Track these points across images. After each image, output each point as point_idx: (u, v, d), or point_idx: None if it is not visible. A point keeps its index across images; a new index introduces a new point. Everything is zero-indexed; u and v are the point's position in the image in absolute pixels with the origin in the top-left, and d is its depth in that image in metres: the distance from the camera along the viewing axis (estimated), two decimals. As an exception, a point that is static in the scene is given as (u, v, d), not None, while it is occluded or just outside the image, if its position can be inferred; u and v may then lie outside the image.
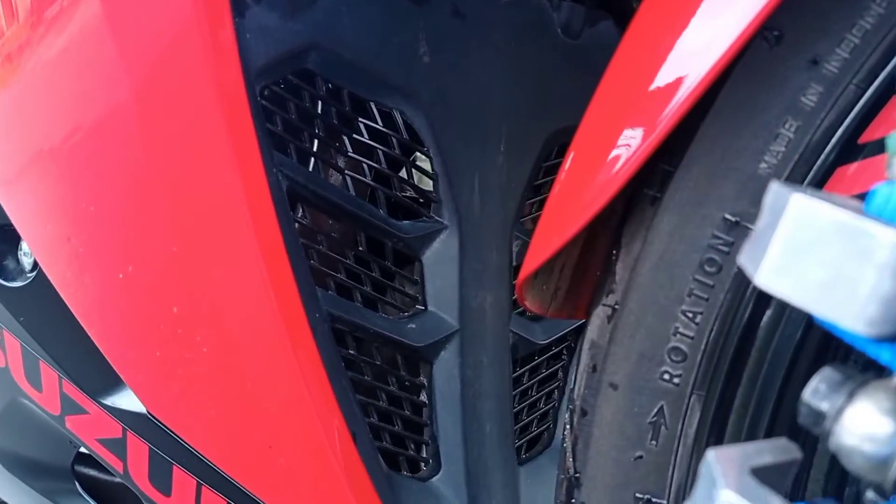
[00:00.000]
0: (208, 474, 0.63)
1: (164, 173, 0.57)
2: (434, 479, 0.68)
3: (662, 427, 0.49)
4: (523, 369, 0.78)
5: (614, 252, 0.52)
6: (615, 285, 0.51)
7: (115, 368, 0.64)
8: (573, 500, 0.52)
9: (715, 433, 0.48)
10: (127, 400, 0.66)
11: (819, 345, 0.46)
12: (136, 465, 0.68)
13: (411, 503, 0.63)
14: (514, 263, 0.75)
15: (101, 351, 0.64)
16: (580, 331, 0.83)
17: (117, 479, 0.80)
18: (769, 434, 0.47)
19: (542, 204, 0.80)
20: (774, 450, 0.33)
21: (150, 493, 0.68)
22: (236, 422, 0.60)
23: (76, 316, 0.64)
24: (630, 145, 0.47)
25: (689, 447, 0.48)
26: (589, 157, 0.49)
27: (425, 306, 0.70)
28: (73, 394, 0.69)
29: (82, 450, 0.81)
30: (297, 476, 0.59)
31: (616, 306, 0.50)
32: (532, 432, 0.78)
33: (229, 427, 0.61)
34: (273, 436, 0.58)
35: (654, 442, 0.49)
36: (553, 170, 0.80)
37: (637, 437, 0.50)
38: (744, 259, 0.34)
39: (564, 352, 0.82)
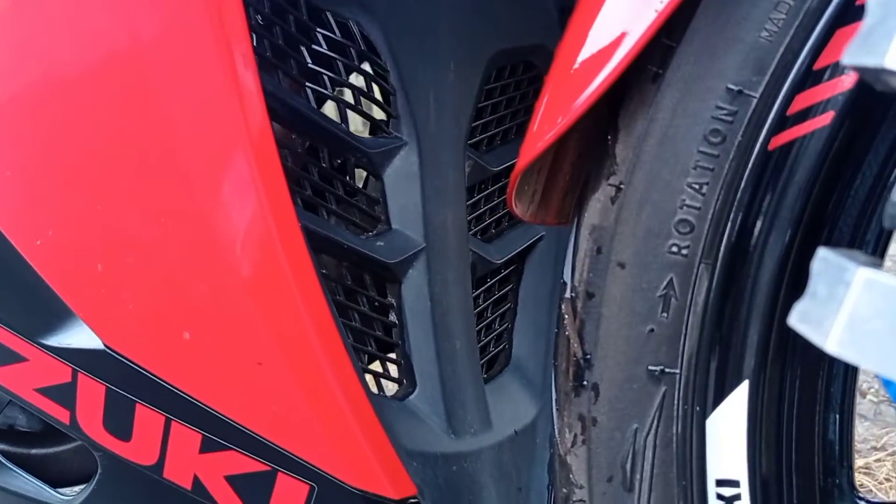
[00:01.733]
0: (179, 407, 0.59)
1: (124, 66, 0.53)
2: (411, 397, 0.66)
3: (672, 299, 0.50)
4: (478, 290, 0.78)
5: (609, 136, 0.53)
6: (616, 167, 0.52)
7: (63, 301, 0.59)
8: (584, 383, 0.52)
9: (723, 299, 0.50)
10: (77, 337, 0.61)
11: (820, 201, 0.49)
12: (87, 412, 0.62)
13: (393, 423, 0.62)
14: (467, 184, 0.75)
15: (46, 281, 0.58)
16: (527, 254, 0.85)
17: (34, 451, 0.73)
18: (776, 294, 0.49)
19: (485, 127, 0.80)
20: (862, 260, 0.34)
21: (105, 441, 0.63)
22: (217, 341, 0.56)
23: (10, 240, 0.58)
24: (634, 23, 0.48)
25: (698, 315, 0.50)
26: (590, 36, 0.49)
27: (389, 225, 0.68)
28: (8, 340, 0.62)
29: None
30: (289, 396, 0.56)
31: (620, 186, 0.51)
32: (491, 352, 0.79)
33: (207, 348, 0.57)
34: (262, 351, 0.55)
35: (664, 314, 0.51)
36: (493, 93, 0.80)
37: (647, 312, 0.51)
38: (800, 322, 0.34)
39: (513, 275, 0.83)
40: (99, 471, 0.65)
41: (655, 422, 0.51)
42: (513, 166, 0.82)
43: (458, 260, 0.72)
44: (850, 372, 0.52)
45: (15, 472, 0.72)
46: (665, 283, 0.51)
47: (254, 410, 0.58)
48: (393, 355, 0.68)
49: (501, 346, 0.80)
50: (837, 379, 0.52)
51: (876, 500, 0.50)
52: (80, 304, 0.59)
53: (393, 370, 0.69)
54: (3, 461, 0.73)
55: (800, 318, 0.32)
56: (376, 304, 0.68)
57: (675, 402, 0.50)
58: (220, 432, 0.59)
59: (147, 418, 0.61)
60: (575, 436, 0.53)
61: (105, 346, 0.59)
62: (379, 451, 0.57)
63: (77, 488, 0.72)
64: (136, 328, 0.58)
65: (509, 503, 0.70)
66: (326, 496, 0.58)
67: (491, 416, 0.72)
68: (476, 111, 0.78)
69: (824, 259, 0.32)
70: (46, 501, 0.71)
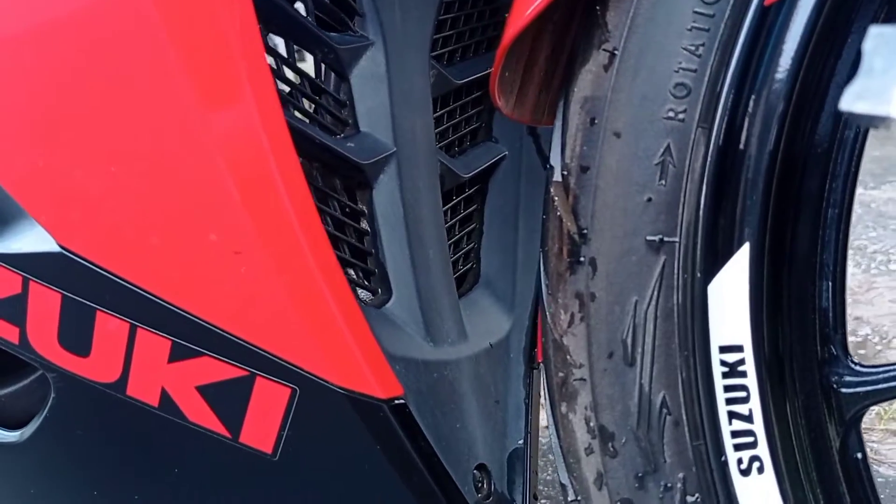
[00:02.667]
0: (146, 311, 0.54)
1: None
2: (388, 304, 0.64)
3: (670, 166, 0.49)
4: (445, 207, 0.75)
5: (598, 7, 0.51)
6: (608, 34, 0.50)
7: (13, 199, 0.54)
8: (581, 259, 0.51)
9: (721, 163, 0.49)
10: (26, 241, 0.56)
11: (816, 58, 0.48)
12: (40, 327, 0.57)
13: (373, 328, 0.59)
14: (433, 95, 0.73)
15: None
16: (490, 174, 0.83)
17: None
18: (775, 154, 0.48)
19: (445, 41, 0.78)
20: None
21: (60, 359, 0.58)
22: (189, 231, 0.52)
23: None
24: None
25: (696, 182, 0.49)
26: None
27: (357, 128, 0.65)
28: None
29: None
30: (269, 290, 0.53)
31: (614, 51, 0.50)
32: (460, 270, 0.77)
33: (178, 241, 0.53)
34: (241, 239, 0.51)
35: (662, 182, 0.50)
36: (452, 7, 0.78)
37: (645, 181, 0.50)
38: (856, 102, 0.33)
39: (477, 195, 0.81)
40: (52, 396, 0.60)
41: (655, 293, 0.50)
42: (476, 80, 0.81)
43: (428, 169, 0.69)
44: (842, 240, 0.52)
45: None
46: (662, 149, 0.50)
47: (230, 309, 0.54)
48: (367, 264, 0.65)
49: (470, 265, 0.78)
50: (829, 247, 0.52)
51: (870, 364, 0.50)
52: (34, 202, 0.54)
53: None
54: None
55: (856, 98, 0.32)
56: (347, 210, 0.65)
57: (675, 271, 0.49)
58: (192, 336, 0.55)
59: (109, 328, 0.56)
60: (572, 315, 0.52)
61: (61, 247, 0.54)
62: (365, 348, 0.55)
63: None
64: (97, 224, 0.54)
65: (488, 415, 0.68)
66: (309, 399, 0.55)
67: (466, 327, 0.70)
68: (437, 23, 0.76)
69: (879, 34, 0.31)
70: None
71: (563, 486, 0.54)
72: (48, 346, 0.58)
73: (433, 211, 0.69)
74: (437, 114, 0.76)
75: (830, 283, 0.52)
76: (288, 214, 0.51)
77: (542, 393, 0.74)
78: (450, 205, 0.77)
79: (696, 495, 0.48)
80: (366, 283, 0.65)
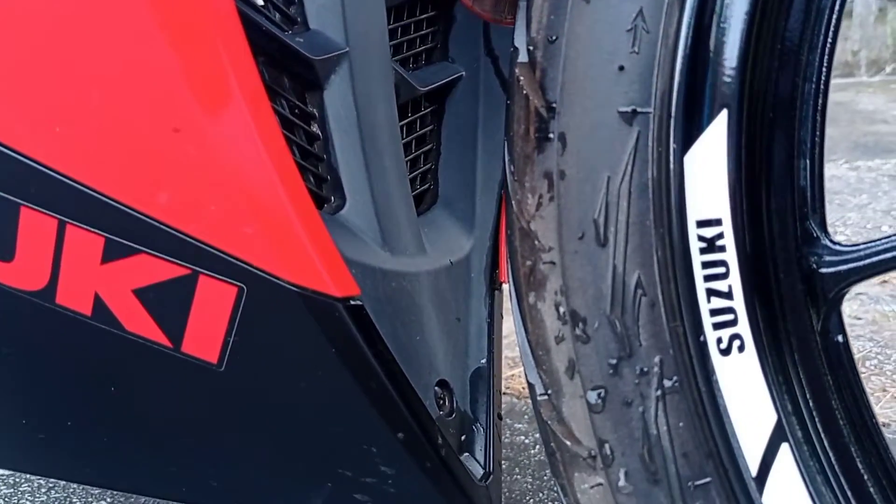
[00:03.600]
0: (76, 204, 0.50)
1: None
2: (342, 211, 0.60)
3: (643, 31, 0.47)
4: (401, 123, 0.72)
5: None
6: None
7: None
8: (549, 136, 0.48)
9: (697, 26, 0.46)
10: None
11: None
12: (-44, 229, 0.52)
13: (329, 233, 0.55)
14: (387, 4, 0.69)
15: None
16: (447, 94, 0.79)
17: None
18: (752, 14, 0.46)
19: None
20: None
21: (-20, 265, 0.53)
22: (123, 113, 0.47)
23: None
24: None
25: (670, 48, 0.46)
26: None
27: (307, 26, 0.61)
28: None
29: None
30: (212, 174, 0.48)
31: (582, -90, 0.47)
32: (418, 188, 0.73)
33: (109, 121, 0.48)
34: (181, 114, 0.46)
35: (634, 49, 0.47)
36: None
37: (616, 48, 0.47)
38: None
39: (433, 116, 0.77)
40: (-27, 310, 0.55)
41: (629, 167, 0.47)
42: (430, -9, 0.77)
43: (382, 75, 0.65)
44: (819, 118, 0.50)
45: None
46: (634, 14, 0.47)
47: (169, 200, 0.49)
48: (318, 169, 0.61)
49: (427, 186, 0.74)
50: (807, 123, 0.49)
51: (850, 243, 0.48)
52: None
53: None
54: None
55: None
56: (297, 112, 0.61)
57: (650, 143, 0.47)
58: (127, 232, 0.50)
59: (34, 226, 0.51)
60: (540, 197, 0.49)
61: (-23, 133, 0.49)
62: (318, 244, 0.51)
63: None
64: (17, 107, 0.49)
65: (449, 332, 0.64)
66: (258, 297, 0.51)
67: (425, 244, 0.66)
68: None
69: None
70: None
71: (531, 385, 0.51)
72: (-33, 250, 0.53)
73: (388, 119, 0.65)
74: (391, 26, 0.73)
75: (808, 162, 0.49)
76: (235, 92, 0.47)
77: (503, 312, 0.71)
78: (405, 121, 0.73)
79: (674, 378, 0.46)
80: (318, 190, 0.61)
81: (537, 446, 1.29)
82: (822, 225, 0.49)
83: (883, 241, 0.47)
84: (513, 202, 0.51)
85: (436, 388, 0.61)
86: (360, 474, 0.56)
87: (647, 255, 0.46)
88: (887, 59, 4.79)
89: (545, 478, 1.18)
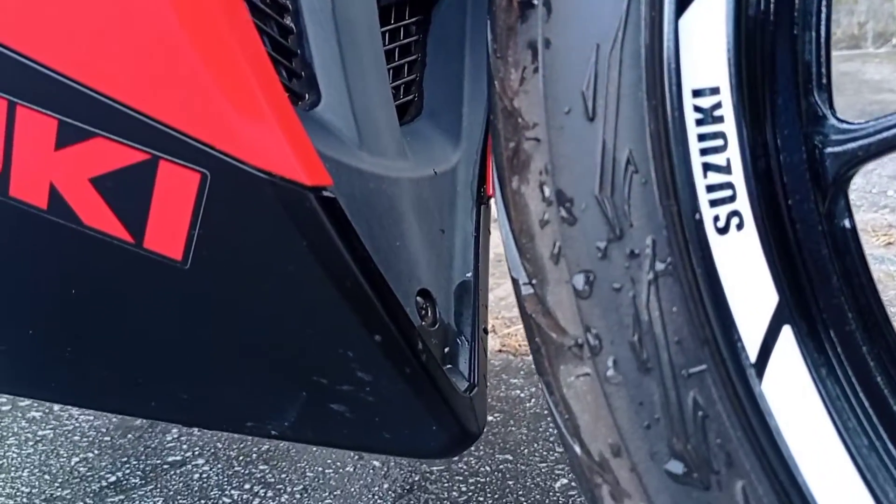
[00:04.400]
0: (26, 81, 0.46)
1: None
2: (317, 108, 0.56)
3: None
4: (384, 30, 0.68)
5: None
6: None
7: None
8: (534, 0, 0.44)
9: None
10: None
11: None
12: None
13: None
14: None
15: None
16: (433, 5, 0.76)
17: None
18: None
19: None
20: None
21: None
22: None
23: None
24: None
25: None
26: None
27: (278, -89, 0.57)
28: None
29: None
30: (174, 48, 0.44)
31: None
32: (402, 99, 0.69)
33: (60, 2, 0.44)
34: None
35: None
36: None
37: None
38: None
39: (419, 27, 0.74)
40: (-78, 207, 0.52)
41: (620, 34, 0.43)
42: None
43: (361, -30, 0.62)
44: (825, -13, 0.46)
45: None
46: None
47: (126, 76, 0.46)
48: (292, 64, 0.57)
49: (411, 97, 0.71)
50: (812, -9, 0.46)
51: (857, 121, 0.45)
52: None
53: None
54: None
55: None
56: (268, 2, 0.57)
57: (642, 6, 0.43)
58: (81, 113, 0.47)
59: (-18, 108, 0.48)
60: (524, 70, 0.45)
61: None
62: (287, 128, 0.47)
63: None
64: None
65: (432, 242, 0.61)
66: (223, 184, 0.47)
67: (406, 150, 0.63)
68: None
69: None
70: None
71: (514, 281, 0.48)
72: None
73: (366, 14, 0.61)
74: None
75: (814, 34, 0.46)
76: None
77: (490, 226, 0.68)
78: (388, 28, 0.69)
79: (668, 260, 0.42)
80: (291, 86, 0.58)
81: (532, 399, 1.28)
82: (829, 102, 0.46)
83: (892, 116, 0.44)
84: (495, 82, 0.47)
85: (417, 298, 0.58)
86: (335, 382, 0.53)
87: (639, 128, 0.43)
88: (894, 31, 4.74)
89: (540, 429, 1.16)
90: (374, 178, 0.57)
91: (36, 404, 1.26)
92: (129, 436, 1.16)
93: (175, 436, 1.16)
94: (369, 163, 0.57)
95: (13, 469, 1.07)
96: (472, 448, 1.11)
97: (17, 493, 1.01)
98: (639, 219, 0.43)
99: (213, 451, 1.11)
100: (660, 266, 0.42)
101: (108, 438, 1.15)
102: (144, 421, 1.21)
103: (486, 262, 0.64)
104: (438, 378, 0.53)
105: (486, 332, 0.61)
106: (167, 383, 0.56)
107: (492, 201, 0.69)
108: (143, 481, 1.04)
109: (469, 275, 0.63)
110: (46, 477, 1.05)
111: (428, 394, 0.53)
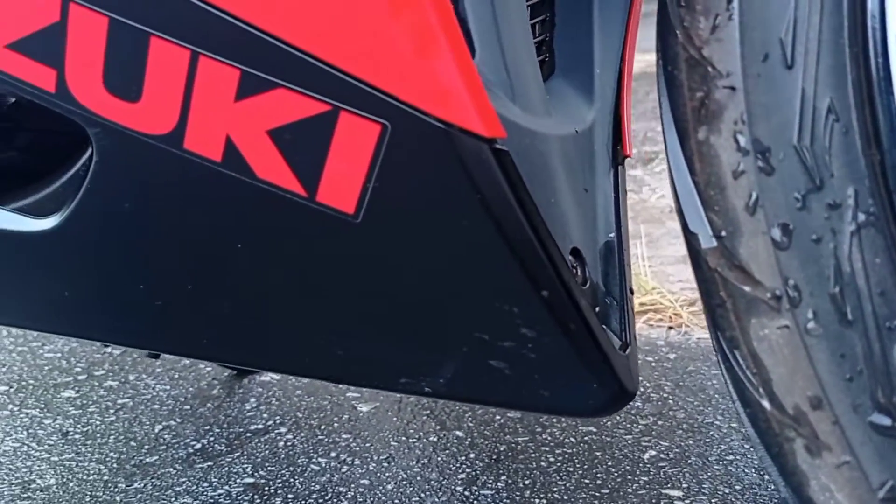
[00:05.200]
0: (210, 32, 0.46)
1: None
2: (473, 60, 0.56)
3: None
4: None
5: None
6: None
7: None
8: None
9: None
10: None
11: None
12: (81, 66, 0.49)
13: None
14: None
15: None
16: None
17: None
18: None
19: None
20: None
21: (105, 106, 0.49)
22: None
23: None
24: None
25: None
26: None
27: None
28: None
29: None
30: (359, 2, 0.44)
31: None
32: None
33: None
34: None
35: None
36: None
37: None
38: None
39: (546, -12, 0.73)
40: (94, 160, 0.52)
41: (822, -22, 0.42)
42: None
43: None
44: None
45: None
46: None
47: (312, 26, 0.46)
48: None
49: (543, 57, 0.70)
50: None
51: None
52: None
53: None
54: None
55: None
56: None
57: (847, -53, 0.42)
58: (265, 63, 0.47)
59: (164, 60, 0.48)
60: (716, 17, 0.44)
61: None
62: (469, 80, 0.47)
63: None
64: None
65: (578, 201, 0.61)
66: (402, 136, 0.47)
67: (550, 108, 0.62)
68: None
69: None
70: (21, 230, 0.57)
71: (692, 236, 0.47)
72: (90, 91, 0.50)
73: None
74: None
75: None
76: None
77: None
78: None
79: (870, 210, 0.42)
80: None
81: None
82: None
83: None
84: (677, 31, 0.46)
85: (569, 256, 0.58)
86: (497, 338, 0.53)
87: (841, 75, 0.42)
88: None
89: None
90: (529, 133, 0.56)
91: (112, 373, 1.29)
92: (209, 405, 1.17)
93: (254, 405, 1.17)
94: (524, 118, 0.56)
95: (98, 435, 1.09)
96: (555, 419, 1.11)
97: (107, 459, 1.03)
98: (839, 168, 0.42)
99: (294, 420, 1.12)
100: (861, 217, 0.42)
101: (188, 407, 1.17)
102: (222, 389, 1.23)
103: (626, 223, 0.64)
104: (600, 336, 0.53)
105: (632, 292, 0.61)
106: (323, 338, 0.56)
107: (627, 161, 0.68)
108: (229, 448, 1.05)
109: (612, 235, 0.62)
110: (132, 444, 1.07)
111: (590, 351, 0.53)
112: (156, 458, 1.04)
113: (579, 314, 0.52)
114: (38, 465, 1.02)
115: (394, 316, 0.54)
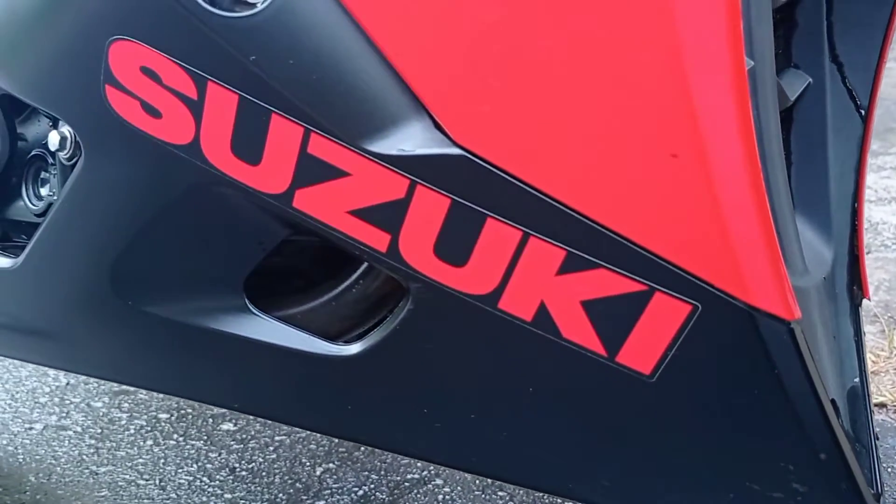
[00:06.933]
0: (544, 218, 0.52)
1: None
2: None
3: None
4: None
5: None
6: None
7: (412, 91, 0.51)
8: None
9: None
10: (414, 140, 0.53)
11: None
12: (416, 235, 0.55)
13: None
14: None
15: (398, 72, 0.50)
16: (796, 103, 0.78)
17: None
18: None
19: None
20: None
21: (431, 269, 0.55)
22: (610, 129, 0.49)
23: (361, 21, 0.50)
24: None
25: None
26: None
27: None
28: (326, 152, 0.54)
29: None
30: (693, 197, 0.49)
31: None
32: (778, 199, 0.72)
33: (594, 139, 0.49)
34: (677, 140, 0.48)
35: None
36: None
37: None
38: None
39: (781, 124, 0.76)
40: (408, 307, 0.58)
41: None
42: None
43: (771, 86, 0.65)
44: None
45: (280, 324, 0.65)
46: None
47: (642, 218, 0.51)
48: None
49: (782, 197, 0.74)
50: None
51: None
52: (433, 96, 0.51)
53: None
54: (250, 307, 0.65)
55: None
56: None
57: None
58: (591, 247, 0.52)
59: (496, 236, 0.54)
60: None
61: (462, 147, 0.51)
62: (776, 267, 0.51)
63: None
64: (504, 125, 0.51)
65: (830, 350, 0.64)
66: (710, 317, 0.52)
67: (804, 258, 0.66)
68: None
69: None
70: (319, 353, 0.64)
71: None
72: (420, 255, 0.56)
73: (776, 130, 0.65)
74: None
75: None
76: (729, 115, 0.48)
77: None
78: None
79: None
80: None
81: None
82: None
83: None
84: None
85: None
86: (768, 489, 0.56)
87: None
88: None
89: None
90: (800, 293, 0.60)
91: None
92: (363, 448, 1.22)
93: (407, 453, 1.21)
94: (794, 279, 0.60)
95: (264, 474, 1.14)
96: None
97: (277, 500, 1.08)
98: None
99: (448, 472, 1.15)
100: None
101: (344, 450, 1.22)
102: (374, 434, 1.27)
103: (867, 366, 0.67)
104: (865, 494, 0.56)
105: (876, 438, 0.64)
106: (595, 469, 0.61)
107: (864, 302, 0.71)
108: (391, 498, 1.10)
109: (856, 380, 0.65)
110: (298, 485, 1.11)
111: (855, 505, 0.56)
112: (322, 502, 1.10)
113: (849, 475, 0.55)
114: (214, 502, 1.07)
115: (669, 459, 0.58)
